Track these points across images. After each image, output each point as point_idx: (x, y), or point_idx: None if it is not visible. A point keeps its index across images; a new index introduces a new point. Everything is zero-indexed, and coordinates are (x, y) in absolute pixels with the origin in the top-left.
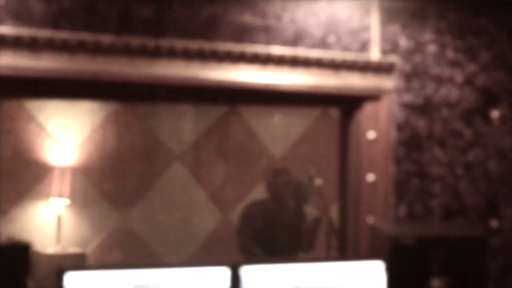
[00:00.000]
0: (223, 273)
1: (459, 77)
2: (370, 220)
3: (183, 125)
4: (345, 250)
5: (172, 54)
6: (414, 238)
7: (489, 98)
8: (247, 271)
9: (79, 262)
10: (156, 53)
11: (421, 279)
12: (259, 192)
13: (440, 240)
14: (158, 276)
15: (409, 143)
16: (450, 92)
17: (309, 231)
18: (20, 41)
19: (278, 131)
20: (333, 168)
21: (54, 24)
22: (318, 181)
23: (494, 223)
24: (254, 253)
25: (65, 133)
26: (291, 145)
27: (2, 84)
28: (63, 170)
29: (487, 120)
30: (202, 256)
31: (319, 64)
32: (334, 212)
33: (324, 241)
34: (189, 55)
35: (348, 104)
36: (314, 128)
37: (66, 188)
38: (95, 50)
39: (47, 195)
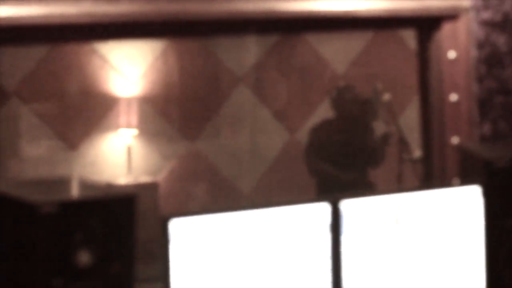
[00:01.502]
0: (323, 208)
1: None
2: (455, 140)
3: (245, 48)
4: (431, 173)
5: None
6: (508, 160)
7: None
8: (347, 205)
9: (152, 192)
10: None
11: None
12: (324, 110)
13: None
14: (261, 217)
15: (490, 61)
16: None
17: (378, 146)
18: None
19: (338, 48)
20: (396, 82)
21: None
22: (386, 96)
23: None
24: (325, 174)
25: (128, 64)
26: (352, 62)
27: (82, 31)
28: (129, 100)
29: None
30: (273, 178)
31: None
32: (402, 124)
33: (396, 156)
34: None
35: (425, 25)
36: (373, 44)
37: (134, 118)
38: None
39: (116, 127)
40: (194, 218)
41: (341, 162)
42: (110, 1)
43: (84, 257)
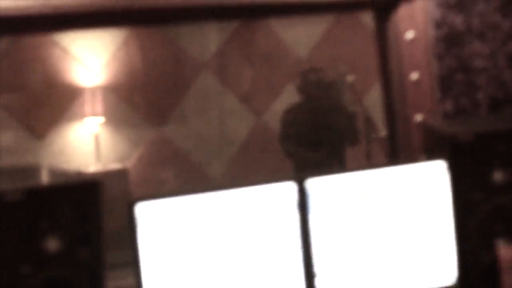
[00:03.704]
0: (289, 187)
1: None
2: (419, 118)
3: (206, 35)
4: (396, 151)
5: None
6: (471, 135)
7: None
8: (312, 184)
9: (122, 178)
10: None
11: (482, 175)
12: (288, 93)
13: (497, 134)
14: (227, 198)
15: (449, 39)
16: None
17: (348, 126)
18: None
19: (299, 32)
20: (359, 64)
21: None
22: (349, 78)
23: None
24: (301, 156)
25: (90, 54)
26: (315, 45)
27: (35, 21)
28: (93, 90)
29: None
30: (241, 160)
31: None
32: (367, 104)
33: (363, 136)
34: None
35: (382, 7)
36: (335, 27)
37: (99, 107)
38: None
39: (81, 116)
40: (160, 201)
41: (315, 143)
42: None
43: (51, 244)
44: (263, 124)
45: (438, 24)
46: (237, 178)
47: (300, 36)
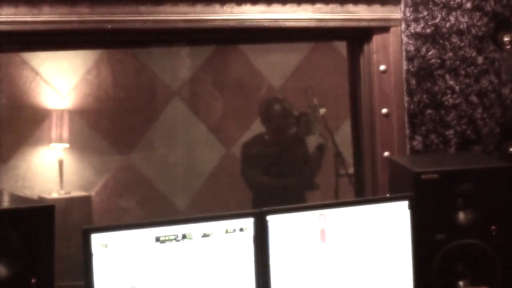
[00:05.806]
0: (247, 222)
1: (467, 3)
2: (386, 154)
3: (179, 60)
4: (363, 188)
5: None
6: (437, 173)
7: (500, 23)
8: (272, 219)
9: (85, 205)
10: None
11: (446, 214)
12: (259, 125)
13: (463, 173)
14: (189, 231)
15: (421, 74)
16: (459, 19)
17: (313, 158)
18: None
19: (275, 61)
20: (334, 96)
21: None
22: (321, 110)
23: (511, 149)
24: (261, 187)
25: (59, 77)
26: (290, 75)
27: (5, 38)
28: (60, 113)
29: (499, 45)
30: (208, 192)
31: None
32: (338, 139)
33: (332, 169)
34: None
35: (356, 37)
36: (311, 58)
37: (65, 131)
38: None
39: (47, 140)
40: (116, 232)
41: (278, 175)
42: (31, 9)
43: (1, 270)
44: (232, 156)
45: (411, 58)
46: (203, 209)
47: (275, 65)
